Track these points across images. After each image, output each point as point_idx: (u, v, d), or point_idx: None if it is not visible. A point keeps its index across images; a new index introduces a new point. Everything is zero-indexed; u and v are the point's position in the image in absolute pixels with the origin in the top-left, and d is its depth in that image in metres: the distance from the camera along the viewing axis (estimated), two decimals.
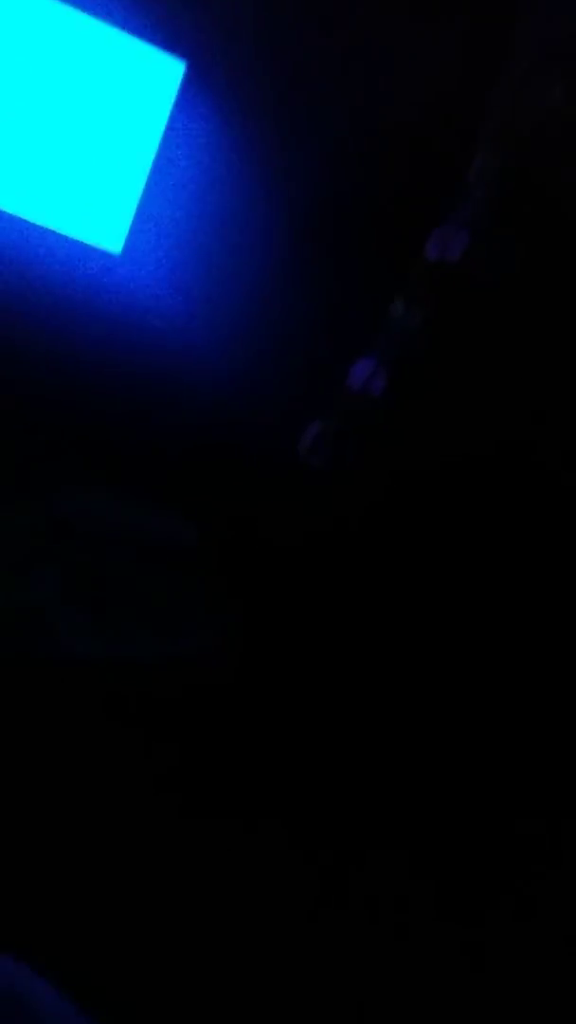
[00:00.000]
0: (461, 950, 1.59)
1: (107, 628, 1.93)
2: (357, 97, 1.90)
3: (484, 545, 2.06)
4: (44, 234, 1.88)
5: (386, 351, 2.05)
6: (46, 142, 1.81)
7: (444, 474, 2.07)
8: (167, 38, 1.77)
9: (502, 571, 2.05)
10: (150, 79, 1.81)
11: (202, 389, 2.07)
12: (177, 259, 1.97)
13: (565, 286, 1.97)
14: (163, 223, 1.93)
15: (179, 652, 1.96)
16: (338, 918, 1.57)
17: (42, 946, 1.20)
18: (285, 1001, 1.44)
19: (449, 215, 1.96)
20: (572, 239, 1.93)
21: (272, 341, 2.08)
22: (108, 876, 1.47)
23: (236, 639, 2.00)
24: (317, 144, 1.92)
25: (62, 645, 1.86)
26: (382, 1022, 1.46)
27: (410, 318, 2.03)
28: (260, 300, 2.05)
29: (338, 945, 1.53)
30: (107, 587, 2.00)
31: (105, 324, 1.98)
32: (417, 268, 2.00)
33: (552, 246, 1.94)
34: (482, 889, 1.72)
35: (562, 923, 1.67)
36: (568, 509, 2.01)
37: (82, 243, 1.91)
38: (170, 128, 1.84)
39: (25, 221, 1.86)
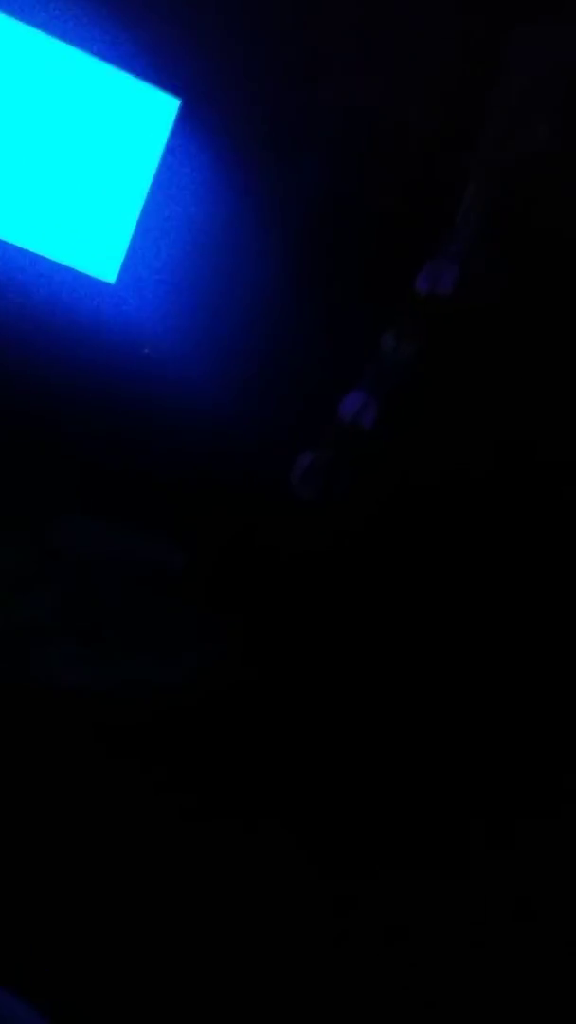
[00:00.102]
0: (460, 953, 1.58)
1: (98, 655, 1.93)
2: (347, 135, 1.95)
3: (476, 575, 2.05)
4: (41, 262, 1.93)
5: (377, 383, 2.07)
6: (44, 174, 1.87)
7: (435, 505, 2.07)
8: (163, 76, 1.84)
9: (495, 601, 2.03)
10: (146, 115, 1.87)
11: (195, 418, 2.09)
12: (171, 289, 2.01)
13: (554, 319, 1.98)
14: (157, 253, 1.97)
15: (170, 678, 1.94)
16: (339, 940, 1.56)
17: (31, 974, 1.19)
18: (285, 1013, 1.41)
19: (439, 249, 1.99)
20: (560, 272, 1.95)
21: (264, 371, 2.10)
22: (101, 905, 1.46)
23: (227, 665, 1.98)
24: (308, 179, 1.97)
25: (53, 672, 1.86)
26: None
27: (401, 350, 2.05)
28: (252, 331, 2.08)
29: (338, 965, 1.51)
30: (98, 614, 2.00)
31: (99, 351, 2.01)
32: (408, 301, 2.02)
33: (541, 279, 1.96)
34: (484, 891, 1.70)
35: (562, 927, 1.64)
36: (559, 537, 1.99)
37: (78, 272, 1.95)
38: (165, 162, 1.90)
39: (23, 250, 1.91)
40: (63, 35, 1.79)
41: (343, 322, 2.10)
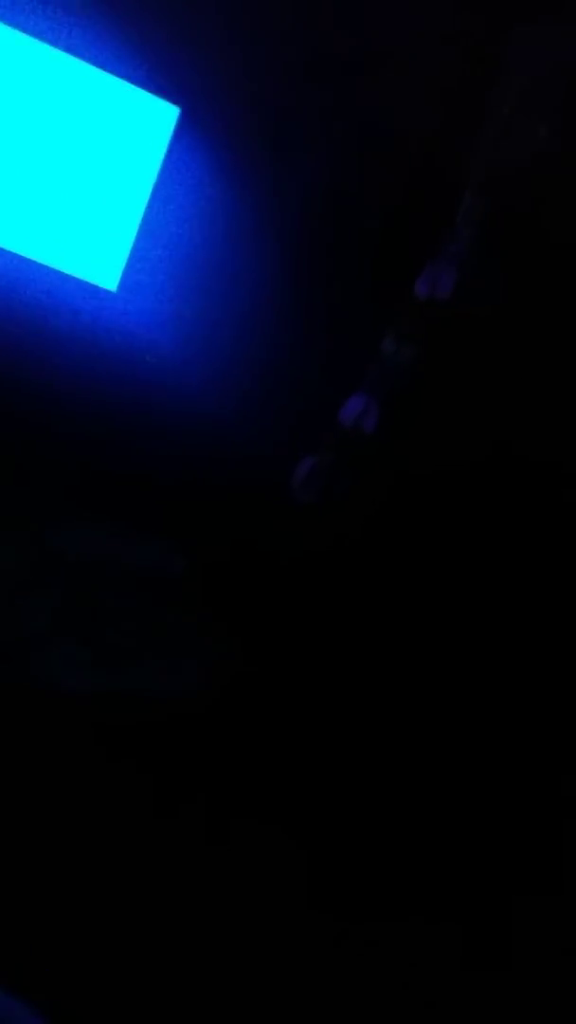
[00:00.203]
0: (460, 955, 1.59)
1: (98, 659, 1.93)
2: (347, 140, 1.96)
3: (476, 578, 2.05)
4: (43, 271, 1.94)
5: (378, 387, 2.08)
6: (46, 182, 1.89)
7: (435, 508, 2.07)
8: (162, 85, 1.85)
9: (494, 604, 2.03)
10: (146, 123, 1.88)
11: (195, 423, 2.10)
12: (171, 295, 2.02)
13: (552, 322, 1.99)
14: (158, 261, 1.99)
15: (169, 681, 1.95)
16: (338, 940, 1.56)
17: (29, 975, 1.19)
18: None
19: (438, 253, 2.00)
20: (558, 275, 1.96)
21: (265, 376, 2.11)
22: (98, 906, 1.46)
23: (225, 668, 1.99)
24: (308, 185, 1.99)
25: (52, 676, 1.86)
26: None
27: (401, 354, 2.06)
28: (253, 336, 2.09)
29: (337, 966, 1.52)
30: (98, 618, 2.00)
31: (100, 358, 2.02)
32: (407, 305, 2.03)
33: (540, 281, 1.97)
34: (482, 901, 1.71)
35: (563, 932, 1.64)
36: (558, 539, 1.99)
37: (79, 280, 1.96)
38: (165, 170, 1.91)
39: (24, 258, 1.93)
40: (64, 45, 1.81)
41: (343, 327, 2.11)
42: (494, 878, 1.76)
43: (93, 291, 1.98)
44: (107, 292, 1.99)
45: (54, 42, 1.80)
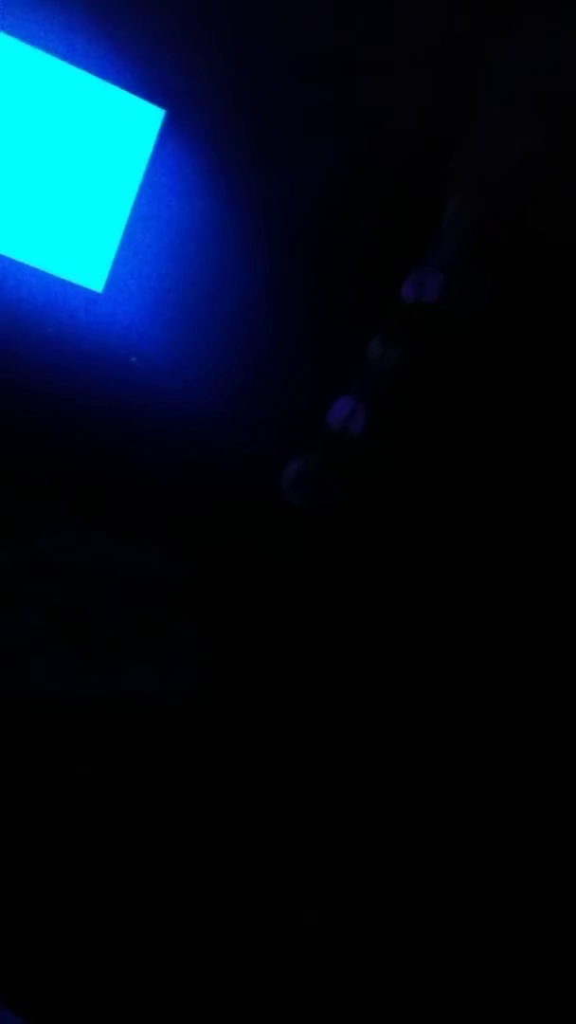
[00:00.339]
0: (460, 955, 1.61)
1: (91, 665, 1.93)
2: (333, 142, 1.96)
3: (466, 579, 2.05)
4: (28, 272, 1.94)
5: (365, 390, 2.08)
6: (30, 184, 1.89)
7: (424, 509, 2.07)
8: (147, 87, 1.85)
9: (484, 604, 2.03)
10: (131, 125, 1.88)
11: (183, 427, 2.10)
12: (157, 297, 2.02)
13: (539, 325, 1.99)
14: (144, 262, 1.99)
15: (162, 687, 1.95)
16: (339, 941, 1.57)
17: (10, 982, 1.20)
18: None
19: (425, 257, 2.00)
20: (543, 280, 1.95)
21: (252, 379, 2.11)
22: (94, 912, 1.47)
23: (219, 673, 1.99)
24: (294, 188, 1.98)
25: (46, 682, 1.86)
26: None
27: (388, 357, 2.06)
28: (239, 338, 2.09)
29: (336, 968, 1.52)
30: (91, 624, 2.00)
31: (86, 360, 2.02)
32: (394, 309, 2.03)
33: (525, 286, 1.97)
34: (482, 901, 1.72)
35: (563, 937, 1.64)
36: (550, 540, 1.99)
37: (65, 281, 1.96)
38: (150, 171, 1.91)
39: (9, 259, 1.93)
40: (47, 47, 1.81)
41: (330, 329, 2.11)
42: (494, 878, 1.76)
43: (79, 292, 1.98)
44: (93, 293, 1.99)
45: (37, 44, 1.80)
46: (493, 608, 2.03)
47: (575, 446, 1.99)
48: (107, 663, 1.95)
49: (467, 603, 2.05)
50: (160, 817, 1.65)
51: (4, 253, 1.92)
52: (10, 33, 1.78)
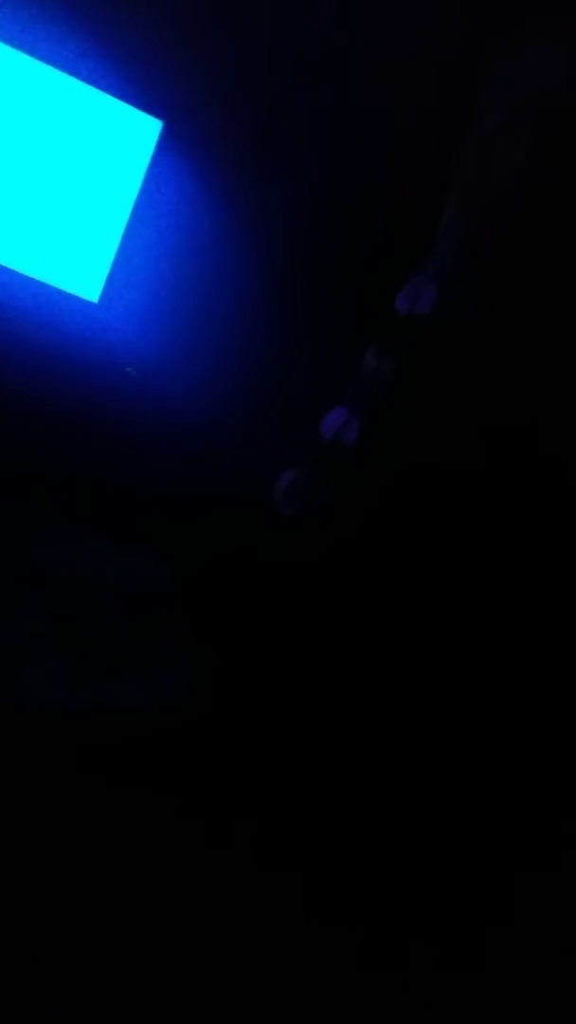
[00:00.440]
0: (460, 955, 1.61)
1: (84, 673, 1.92)
2: (330, 153, 1.97)
3: (459, 589, 2.07)
4: (24, 282, 1.93)
5: (358, 401, 2.09)
6: (27, 194, 1.88)
7: (417, 520, 2.09)
8: (145, 98, 1.85)
9: (480, 616, 2.05)
10: (129, 136, 1.88)
11: (177, 436, 2.10)
12: (153, 307, 2.02)
13: (533, 336, 2.01)
14: (140, 273, 1.99)
15: (156, 695, 1.94)
16: (338, 943, 1.57)
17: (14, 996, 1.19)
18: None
19: (419, 268, 2.02)
20: (537, 292, 1.98)
21: (246, 389, 2.12)
22: (84, 924, 1.45)
23: (213, 680, 1.99)
24: (290, 199, 1.99)
25: (38, 691, 1.85)
26: None
27: (382, 369, 2.07)
28: (235, 349, 2.09)
29: (335, 983, 1.52)
30: (84, 632, 1.99)
31: (82, 370, 2.02)
32: (388, 320, 2.05)
33: (519, 297, 1.99)
34: (482, 901, 1.72)
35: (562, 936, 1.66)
36: (544, 552, 2.02)
37: (61, 291, 1.96)
38: (148, 182, 1.91)
39: (5, 269, 1.92)
40: (44, 57, 1.80)
41: (325, 340, 2.12)
42: (494, 879, 1.77)
43: (75, 302, 1.98)
44: (89, 303, 1.99)
45: (33, 53, 1.80)
46: (489, 619, 2.05)
47: (569, 459, 2.02)
48: (101, 670, 1.94)
49: (463, 615, 2.07)
50: (155, 824, 1.65)
51: (1, 263, 1.91)
52: (8, 43, 1.77)
